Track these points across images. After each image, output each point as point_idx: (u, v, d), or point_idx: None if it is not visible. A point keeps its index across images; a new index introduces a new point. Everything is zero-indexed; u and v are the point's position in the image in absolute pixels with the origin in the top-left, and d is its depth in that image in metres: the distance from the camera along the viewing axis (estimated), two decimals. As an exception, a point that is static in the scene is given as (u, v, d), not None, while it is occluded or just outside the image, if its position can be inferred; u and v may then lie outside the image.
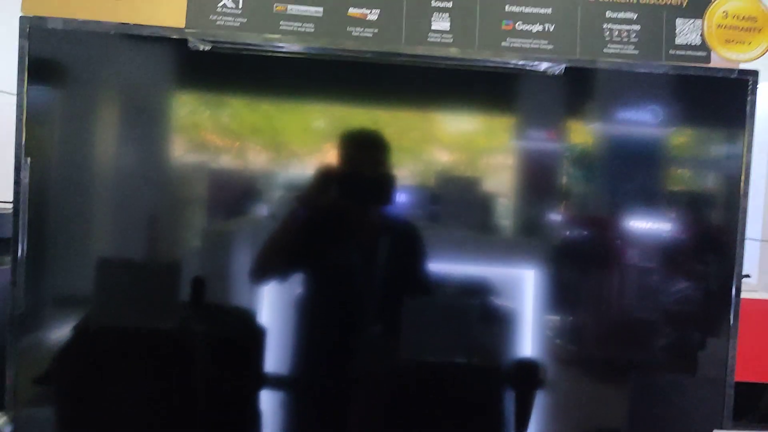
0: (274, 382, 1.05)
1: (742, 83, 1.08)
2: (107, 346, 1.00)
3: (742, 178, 1.07)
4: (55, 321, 0.99)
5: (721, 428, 0.92)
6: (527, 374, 1.06)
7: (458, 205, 1.07)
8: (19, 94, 0.94)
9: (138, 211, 0.99)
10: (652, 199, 1.10)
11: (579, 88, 1.06)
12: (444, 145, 1.06)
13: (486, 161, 1.07)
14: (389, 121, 1.05)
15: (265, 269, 1.03)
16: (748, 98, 1.06)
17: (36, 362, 0.96)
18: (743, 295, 2.21)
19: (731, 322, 1.06)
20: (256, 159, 1.03)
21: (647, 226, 1.10)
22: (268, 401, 1.05)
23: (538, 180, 1.09)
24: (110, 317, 1.00)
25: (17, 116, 0.95)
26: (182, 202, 1.01)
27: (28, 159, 0.95)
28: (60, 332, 0.98)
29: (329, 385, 1.05)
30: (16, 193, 0.94)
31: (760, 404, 1.69)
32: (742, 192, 1.06)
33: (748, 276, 2.52)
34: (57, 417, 0.96)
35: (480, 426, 1.07)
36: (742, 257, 1.08)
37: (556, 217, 1.05)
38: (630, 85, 1.06)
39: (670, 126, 1.07)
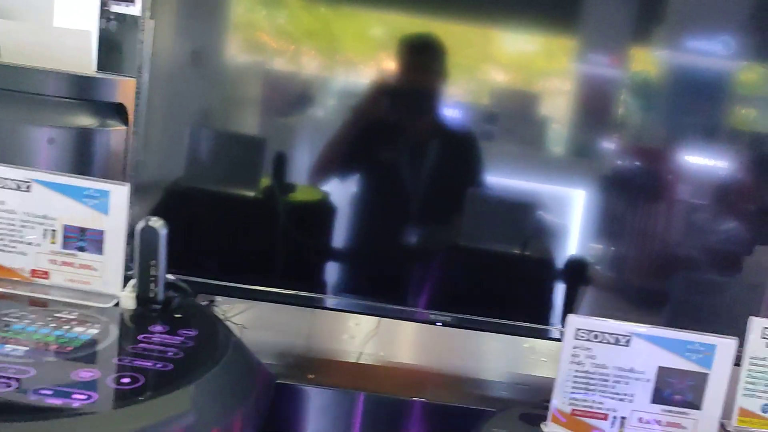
0: (344, 253, 1.12)
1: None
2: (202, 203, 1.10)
3: None
4: (163, 174, 1.09)
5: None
6: (577, 270, 1.10)
7: (514, 123, 1.09)
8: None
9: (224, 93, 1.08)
10: (710, 134, 1.09)
11: (645, 8, 1.04)
12: (503, 63, 1.06)
13: (544, 83, 1.07)
14: (447, 35, 1.06)
15: (326, 171, 1.07)
16: None
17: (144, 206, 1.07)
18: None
19: None
20: (317, 63, 1.07)
21: (702, 161, 1.10)
22: (340, 269, 1.13)
23: (595, 105, 1.09)
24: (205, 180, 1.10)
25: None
26: (260, 91, 1.09)
27: (153, 21, 1.02)
28: (166, 183, 1.08)
29: (397, 258, 1.11)
30: (139, 50, 1.01)
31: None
32: None
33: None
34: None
35: (532, 308, 1.13)
36: None
37: (609, 144, 1.07)
38: (699, 9, 1.04)
39: (738, 59, 1.04)
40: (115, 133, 1.48)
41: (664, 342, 0.71)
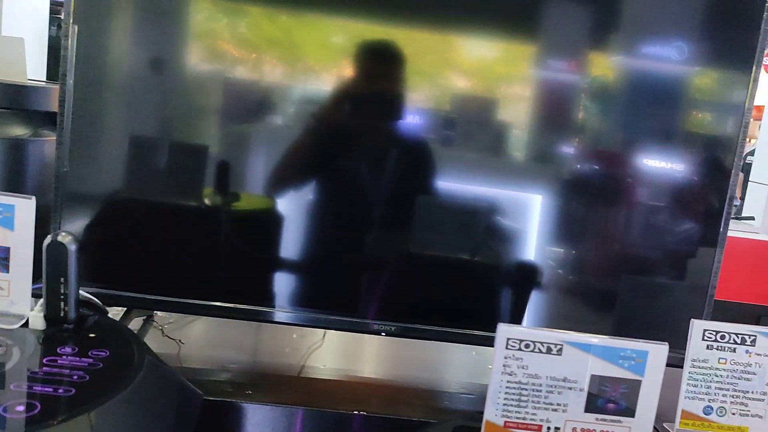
0: (289, 263, 1.10)
1: (757, 9, 1.05)
2: (139, 213, 1.06)
3: (746, 101, 1.06)
4: (94, 184, 1.05)
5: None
6: (526, 274, 1.10)
7: (472, 129, 1.09)
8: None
9: (164, 99, 1.04)
10: (656, 135, 1.11)
11: (595, 10, 1.05)
12: (462, 69, 1.06)
13: (503, 88, 1.07)
14: (408, 41, 1.05)
15: (284, 180, 1.05)
16: (762, 27, 1.04)
17: (75, 222, 1.03)
18: (746, 235, 2.24)
19: (719, 231, 1.09)
20: (275, 70, 1.05)
21: (649, 161, 1.11)
22: (284, 279, 1.10)
23: (553, 109, 1.09)
24: (142, 189, 1.07)
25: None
26: (206, 97, 1.06)
27: (76, 27, 0.98)
28: (98, 194, 1.04)
29: (341, 267, 1.09)
30: (64, 57, 0.98)
31: (759, 322, 1.83)
32: (745, 108, 1.06)
33: (752, 218, 2.52)
34: (90, 269, 1.03)
35: (478, 314, 1.11)
36: (737, 175, 1.09)
37: (566, 148, 1.08)
38: (654, 16, 1.05)
39: (692, 64, 1.06)
40: (49, 143, 1.42)
41: (596, 350, 0.70)
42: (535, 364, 0.70)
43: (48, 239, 0.70)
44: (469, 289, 1.11)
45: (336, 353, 1.25)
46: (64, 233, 0.70)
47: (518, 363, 0.69)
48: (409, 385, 1.15)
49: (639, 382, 0.70)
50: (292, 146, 1.04)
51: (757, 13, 1.03)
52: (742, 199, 3.46)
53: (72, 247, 0.70)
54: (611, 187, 1.10)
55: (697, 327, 0.83)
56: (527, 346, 0.69)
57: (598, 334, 1.18)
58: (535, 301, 1.13)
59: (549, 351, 0.69)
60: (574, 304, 1.14)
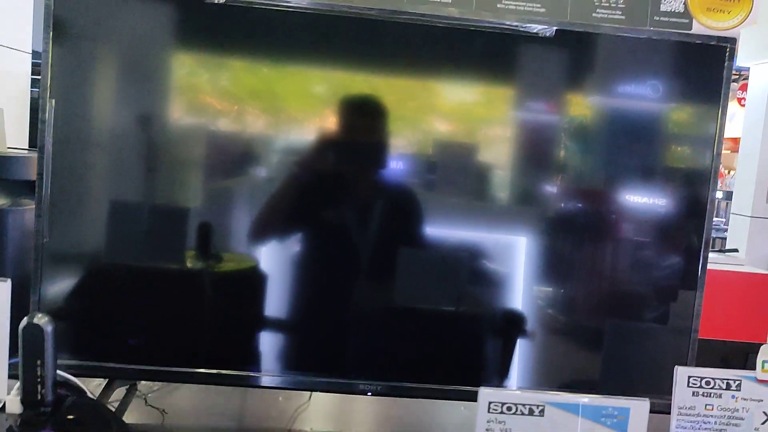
0: (273, 324, 1.09)
1: (720, 50, 1.08)
2: (120, 280, 1.05)
3: (716, 138, 1.08)
4: (75, 253, 1.04)
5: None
6: (511, 323, 1.08)
7: (455, 173, 1.10)
8: (45, 42, 1.00)
9: (144, 162, 1.05)
10: (632, 171, 1.11)
11: (571, 54, 1.07)
12: (442, 114, 1.07)
13: (483, 131, 1.08)
14: (387, 89, 1.06)
15: (265, 231, 1.05)
16: (726, 64, 1.07)
17: (56, 292, 1.02)
18: (730, 268, 2.24)
19: (698, 274, 1.09)
20: (256, 123, 1.06)
21: (628, 198, 1.11)
22: (268, 341, 1.09)
23: (533, 151, 1.10)
24: (123, 256, 1.06)
25: (43, 61, 1.01)
26: (185, 156, 1.06)
27: (53, 101, 1.00)
28: (78, 265, 1.04)
29: (325, 326, 1.08)
30: (41, 131, 1.00)
31: (747, 361, 1.80)
32: (714, 152, 1.08)
33: (736, 250, 2.53)
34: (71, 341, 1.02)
35: (465, 368, 1.10)
36: (712, 215, 1.10)
37: (548, 187, 1.08)
38: (617, 52, 1.07)
39: (655, 96, 1.07)
40: (30, 212, 1.41)
41: (578, 409, 0.69)
42: (518, 427, 0.69)
43: (24, 321, 0.70)
44: (454, 342, 1.09)
45: (323, 414, 1.23)
46: (40, 315, 0.70)
47: (501, 426, 0.69)
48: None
49: (623, 440, 0.70)
50: (273, 196, 1.03)
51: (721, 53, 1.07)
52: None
53: (48, 329, 0.70)
54: (592, 226, 1.10)
55: (682, 374, 0.83)
56: (509, 408, 0.69)
57: (586, 380, 1.19)
58: (520, 348, 1.11)
59: (531, 413, 0.69)
60: (559, 348, 1.12)
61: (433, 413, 1.24)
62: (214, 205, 1.06)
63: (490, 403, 0.68)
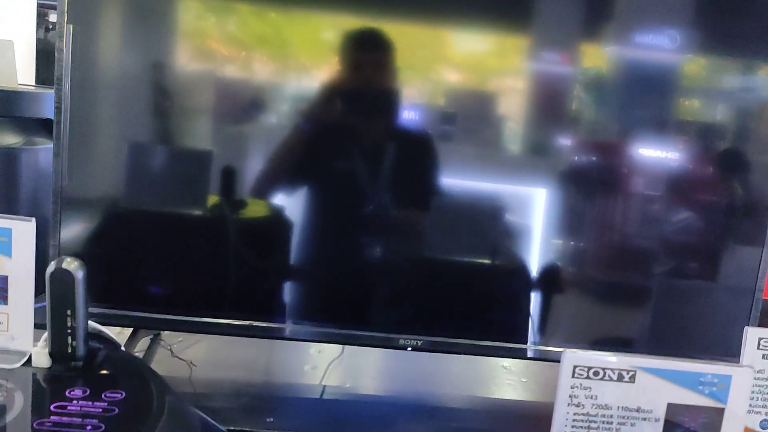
0: (303, 273, 1.03)
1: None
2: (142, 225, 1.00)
3: None
4: (95, 198, 0.98)
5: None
6: (551, 276, 1.04)
7: (471, 124, 1.03)
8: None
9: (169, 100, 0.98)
10: (666, 126, 1.05)
11: (593, 5, 0.99)
12: (456, 63, 0.99)
13: (498, 82, 1.01)
14: (400, 36, 0.98)
15: (273, 183, 0.99)
16: None
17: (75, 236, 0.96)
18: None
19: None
20: (264, 69, 0.98)
21: (688, 149, 1.05)
22: (297, 293, 1.04)
23: (549, 102, 1.04)
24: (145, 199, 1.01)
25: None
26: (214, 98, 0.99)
27: (71, 26, 0.91)
28: (99, 208, 0.98)
29: (359, 276, 1.02)
30: (59, 60, 0.92)
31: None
32: None
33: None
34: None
35: (507, 324, 1.06)
36: None
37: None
38: (645, 5, 0.99)
39: (686, 50, 1.00)
40: (44, 152, 1.34)
41: (673, 375, 0.62)
42: (604, 394, 0.62)
43: (52, 266, 0.62)
44: (493, 296, 1.05)
45: (358, 367, 1.17)
46: (69, 259, 0.62)
47: (586, 393, 0.62)
48: (436, 404, 1.08)
49: (722, 410, 0.63)
50: (284, 144, 0.97)
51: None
52: None
53: (79, 275, 0.62)
54: (631, 182, 1.04)
55: (752, 335, 0.76)
56: (596, 373, 0.62)
57: (633, 341, 1.13)
58: (563, 307, 1.07)
59: (620, 378, 0.62)
60: (605, 307, 1.08)
61: (473, 371, 1.19)
62: (239, 150, 1.00)
63: (575, 367, 0.61)
